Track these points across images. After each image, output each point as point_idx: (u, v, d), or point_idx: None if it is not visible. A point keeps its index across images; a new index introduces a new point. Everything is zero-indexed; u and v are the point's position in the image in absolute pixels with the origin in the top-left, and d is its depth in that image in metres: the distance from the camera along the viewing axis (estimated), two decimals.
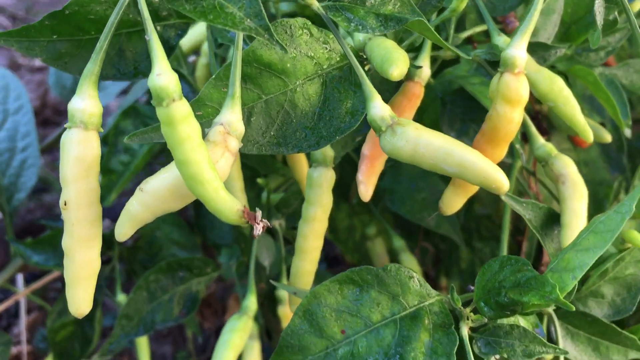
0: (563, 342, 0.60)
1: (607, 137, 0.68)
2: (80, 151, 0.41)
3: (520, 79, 0.48)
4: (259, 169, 0.77)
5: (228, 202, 0.40)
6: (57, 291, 1.78)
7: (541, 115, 0.77)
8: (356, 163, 0.95)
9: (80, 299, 0.44)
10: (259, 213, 0.41)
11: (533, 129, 0.60)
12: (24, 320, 1.52)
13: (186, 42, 0.90)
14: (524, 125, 0.61)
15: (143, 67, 0.57)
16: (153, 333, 1.86)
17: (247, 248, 0.79)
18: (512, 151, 0.72)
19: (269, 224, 0.41)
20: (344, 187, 0.94)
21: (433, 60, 0.66)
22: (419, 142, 0.44)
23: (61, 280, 1.62)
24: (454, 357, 0.48)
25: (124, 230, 0.43)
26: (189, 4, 0.39)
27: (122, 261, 1.03)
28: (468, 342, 0.50)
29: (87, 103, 0.42)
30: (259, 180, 0.73)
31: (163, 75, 0.37)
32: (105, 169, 0.85)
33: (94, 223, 0.43)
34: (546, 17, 0.61)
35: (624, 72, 0.76)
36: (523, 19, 0.50)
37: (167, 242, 1.01)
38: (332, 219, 1.03)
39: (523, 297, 0.44)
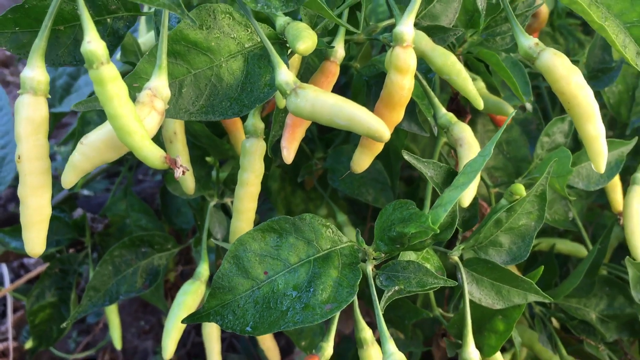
0: (469, 287, 0.69)
1: (509, 110, 0.77)
2: (30, 113, 0.50)
3: (408, 51, 0.57)
4: (209, 150, 0.85)
5: (153, 150, 0.49)
6: None
7: (461, 97, 0.86)
8: (308, 154, 1.05)
9: (34, 240, 0.53)
10: (179, 159, 0.49)
11: (435, 100, 0.68)
12: (10, 317, 1.60)
13: (147, 42, 0.99)
14: (429, 97, 0.70)
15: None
16: (135, 330, 1.93)
17: (201, 223, 0.87)
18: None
19: (187, 168, 0.49)
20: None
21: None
22: (316, 101, 0.53)
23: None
24: (357, 287, 0.57)
25: (68, 178, 0.51)
26: None
27: (95, 247, 1.11)
28: (372, 276, 0.59)
29: (35, 72, 0.50)
30: (208, 159, 0.81)
31: (93, 42, 0.46)
32: None
33: (44, 174, 0.51)
34: (446, 4, 0.70)
35: None
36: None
37: (136, 229, 1.09)
38: (288, 203, 1.12)
39: (405, 229, 0.53)
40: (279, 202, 1.09)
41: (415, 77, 0.69)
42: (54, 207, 1.08)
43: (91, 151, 0.50)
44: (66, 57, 0.66)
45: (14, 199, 1.49)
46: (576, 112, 0.58)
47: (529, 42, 0.59)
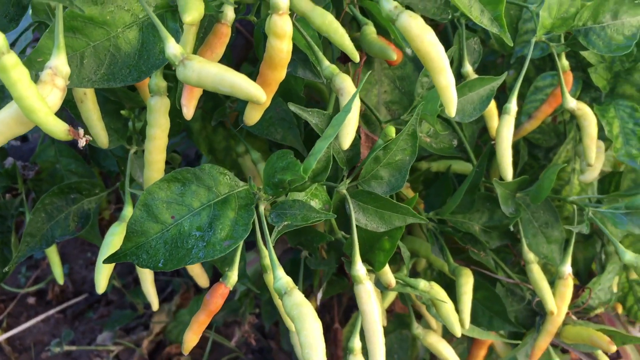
0: (356, 215, 0.80)
1: (393, 55, 0.86)
2: None
3: (284, 18, 0.65)
4: (124, 102, 0.92)
5: (57, 124, 0.56)
6: None
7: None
8: (222, 97, 1.11)
9: None
10: (81, 131, 0.57)
11: (319, 54, 0.77)
12: None
13: None
14: (314, 52, 0.78)
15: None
16: (83, 262, 2.02)
17: (124, 169, 0.95)
18: None
19: (90, 137, 0.57)
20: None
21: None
22: (202, 71, 0.61)
23: None
24: (251, 225, 0.67)
25: None
26: None
27: (29, 192, 1.17)
28: (264, 215, 0.69)
29: None
30: (123, 112, 0.88)
31: None
32: None
33: None
34: None
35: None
36: None
37: (67, 173, 1.16)
38: (210, 142, 1.20)
39: (284, 176, 0.63)
40: (201, 140, 1.17)
41: (301, 34, 0.77)
42: None
43: (2, 127, 0.58)
44: None
45: None
46: (430, 66, 0.68)
47: (389, 5, 0.67)
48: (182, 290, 1.77)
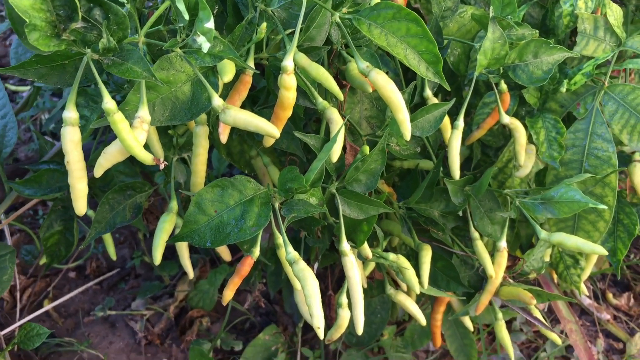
0: (342, 207, 1.11)
1: (369, 89, 1.16)
2: (72, 137, 0.87)
3: (290, 76, 0.96)
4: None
5: (147, 155, 0.87)
6: (30, 217, 2.23)
7: (339, 73, 1.24)
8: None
9: (80, 206, 0.92)
10: (161, 159, 0.88)
11: (314, 93, 1.07)
12: (9, 240, 1.96)
13: None
14: (310, 92, 1.08)
15: (85, 81, 1.01)
16: (114, 242, 2.32)
17: (169, 171, 1.26)
18: None
19: (166, 163, 0.88)
20: None
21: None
22: (236, 117, 0.91)
23: (35, 209, 2.06)
24: (270, 216, 0.98)
25: (97, 172, 0.90)
26: (116, 68, 0.84)
27: None
28: (278, 209, 1.01)
29: (71, 114, 0.87)
30: (170, 131, 1.19)
31: (108, 103, 0.83)
32: None
33: (82, 170, 0.89)
34: (319, 29, 1.07)
35: None
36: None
37: (116, 173, 1.48)
38: (228, 146, 1.51)
39: (292, 185, 0.94)
40: (219, 144, 1.48)
41: (302, 79, 1.07)
42: (51, 161, 1.45)
43: (110, 156, 0.89)
44: (67, 82, 1.02)
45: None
46: (392, 107, 0.99)
47: (362, 65, 0.98)
48: (200, 264, 2.09)
